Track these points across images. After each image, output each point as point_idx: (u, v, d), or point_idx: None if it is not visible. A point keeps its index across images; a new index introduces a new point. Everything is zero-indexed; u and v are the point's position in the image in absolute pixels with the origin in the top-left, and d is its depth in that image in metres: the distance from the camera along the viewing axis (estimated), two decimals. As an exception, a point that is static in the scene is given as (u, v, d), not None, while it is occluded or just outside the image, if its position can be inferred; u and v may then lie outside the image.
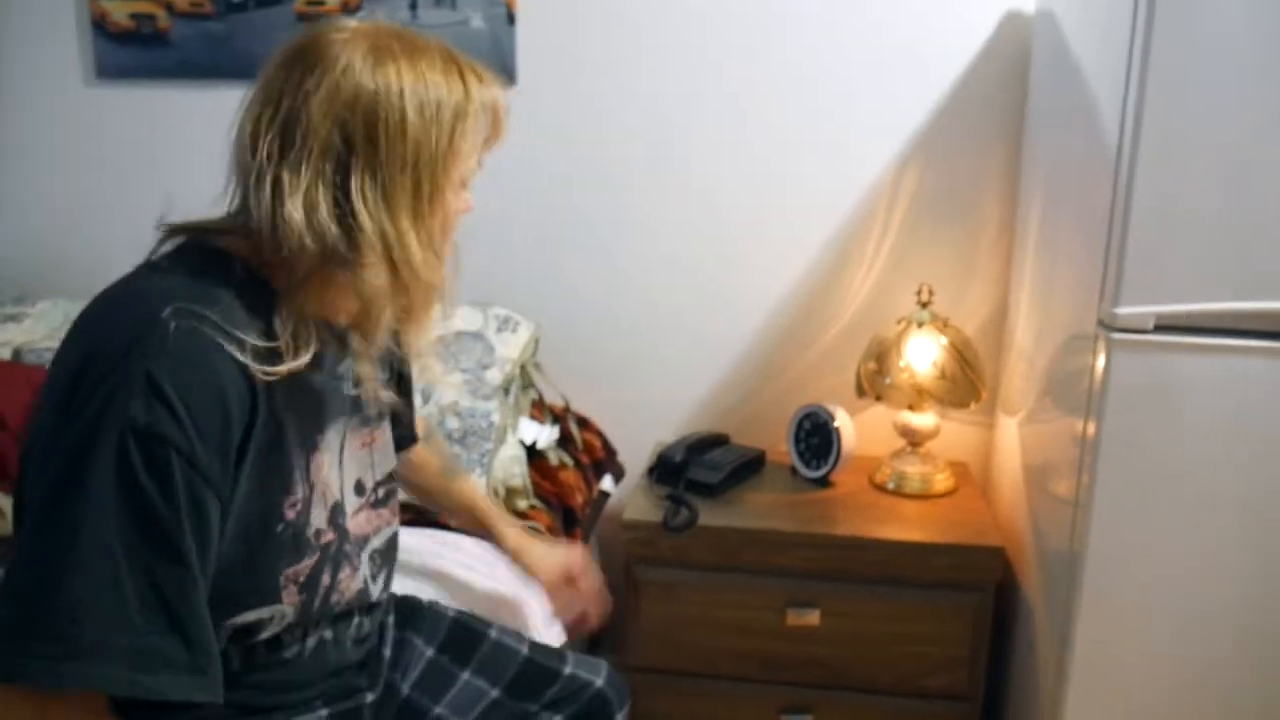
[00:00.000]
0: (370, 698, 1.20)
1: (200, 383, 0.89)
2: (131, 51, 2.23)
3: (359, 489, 1.12)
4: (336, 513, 1.07)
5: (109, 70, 2.26)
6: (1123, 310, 1.39)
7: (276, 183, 0.94)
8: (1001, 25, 1.98)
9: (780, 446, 2.06)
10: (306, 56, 0.96)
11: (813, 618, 1.83)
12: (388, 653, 1.26)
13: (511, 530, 1.56)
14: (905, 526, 1.85)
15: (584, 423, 2.16)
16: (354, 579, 1.11)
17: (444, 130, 0.98)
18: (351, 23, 1.01)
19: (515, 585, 1.58)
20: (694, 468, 1.96)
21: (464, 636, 1.33)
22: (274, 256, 0.95)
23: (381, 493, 1.16)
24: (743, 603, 1.85)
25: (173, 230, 1.04)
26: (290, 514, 1.00)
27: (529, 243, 2.21)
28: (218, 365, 0.90)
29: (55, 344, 2.04)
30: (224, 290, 0.95)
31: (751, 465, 2.05)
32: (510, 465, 1.84)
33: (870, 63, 2.04)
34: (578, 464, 2.04)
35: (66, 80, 2.30)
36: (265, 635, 1.03)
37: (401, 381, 1.30)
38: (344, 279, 0.96)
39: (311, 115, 0.94)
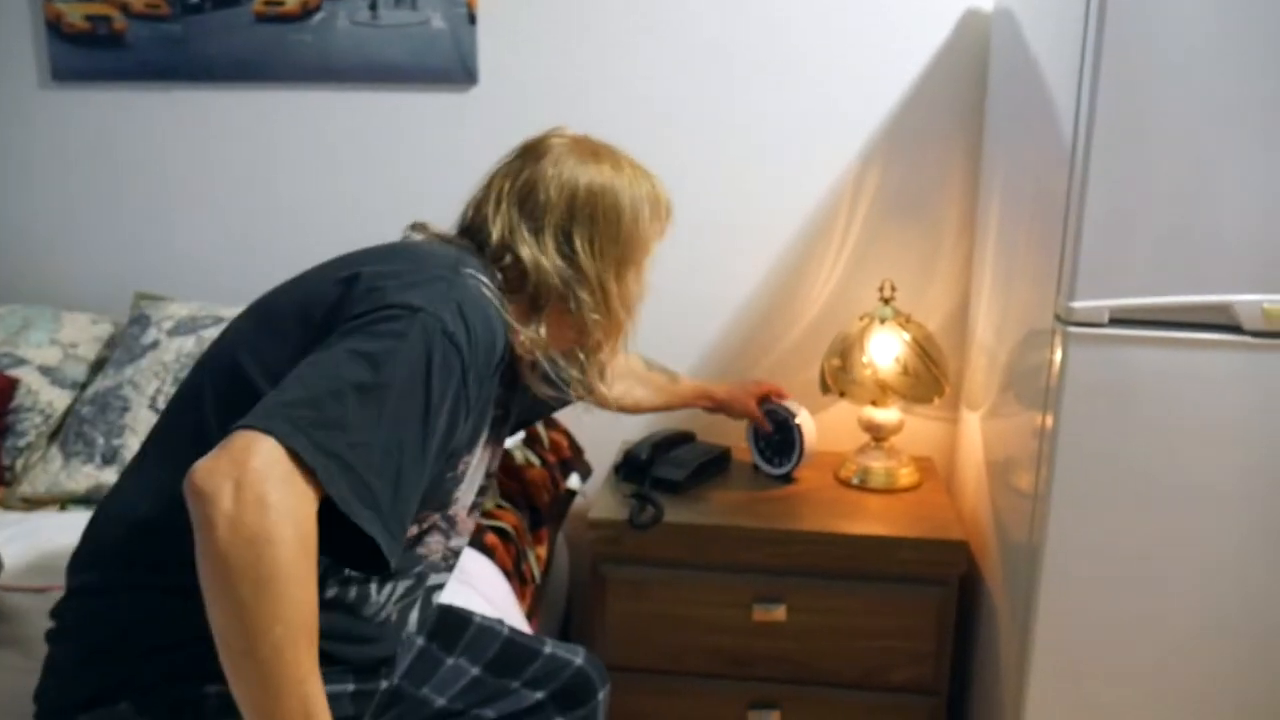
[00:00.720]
0: (384, 685, 1.24)
1: (486, 327, 1.08)
2: (87, 53, 2.21)
3: (481, 490, 1.29)
4: (465, 497, 1.24)
5: (65, 72, 2.23)
6: (1078, 304, 1.41)
7: (513, 230, 1.22)
8: (961, 22, 2.00)
9: (745, 444, 2.06)
10: (537, 148, 1.28)
11: (779, 613, 1.84)
12: (406, 656, 1.32)
13: (720, 387, 1.99)
14: (870, 521, 1.86)
15: (551, 421, 2.16)
16: (442, 548, 1.26)
17: (644, 218, 1.29)
18: (563, 133, 1.32)
19: (475, 591, 1.59)
20: (659, 465, 1.97)
21: (450, 624, 1.39)
22: (515, 281, 1.21)
23: (476, 501, 1.30)
24: (710, 599, 1.86)
25: (420, 226, 1.30)
26: (461, 468, 1.17)
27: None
28: (495, 321, 1.11)
29: (13, 349, 2.03)
30: (489, 277, 1.17)
31: (717, 462, 2.05)
32: (476, 466, 1.84)
33: (830, 60, 2.05)
34: (544, 463, 2.04)
35: (21, 83, 2.27)
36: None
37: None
38: (561, 309, 1.22)
39: (548, 188, 1.24)
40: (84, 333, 2.12)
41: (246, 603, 0.85)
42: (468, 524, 1.30)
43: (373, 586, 1.16)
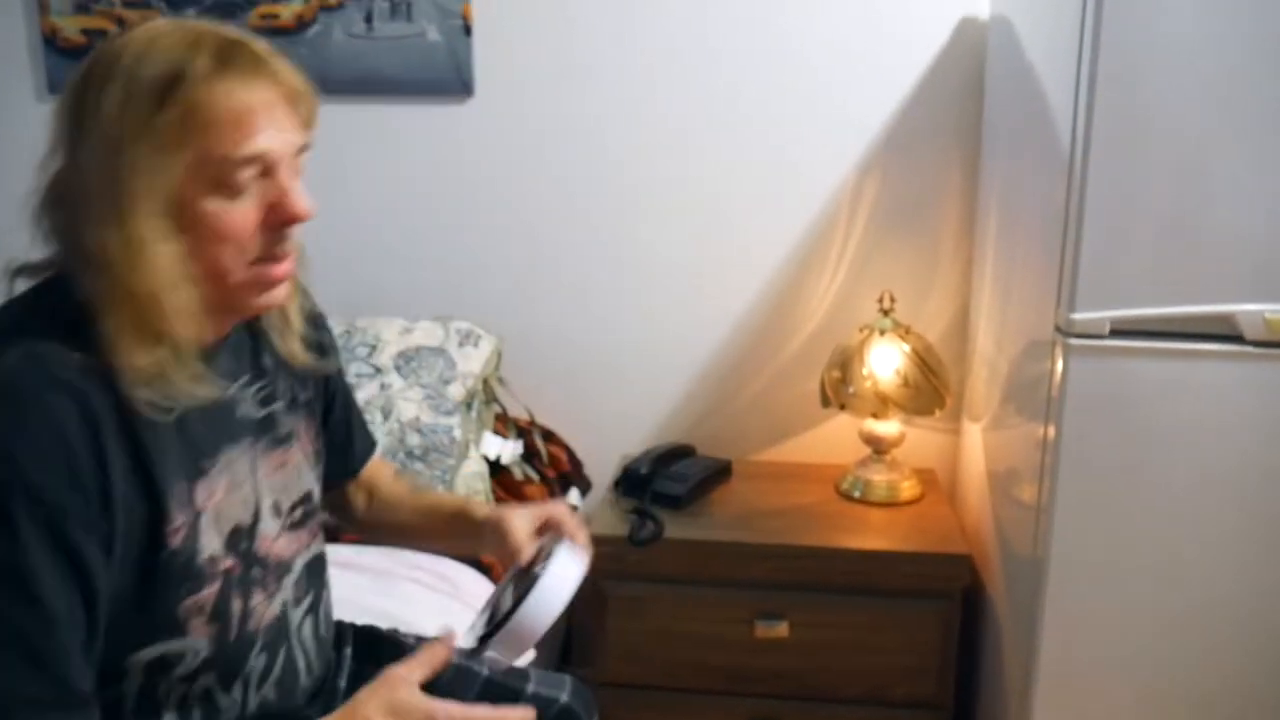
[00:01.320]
0: None
1: (41, 428, 0.85)
2: (83, 68, 2.20)
3: (276, 510, 1.08)
4: (239, 538, 1.03)
5: (61, 86, 2.22)
6: (1079, 316, 1.40)
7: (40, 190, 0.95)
8: (957, 31, 1.99)
9: (748, 457, 2.04)
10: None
11: (781, 629, 1.82)
12: (343, 684, 1.23)
13: (485, 506, 1.33)
14: (872, 535, 1.85)
15: (549, 436, 2.15)
16: (269, 605, 1.06)
17: (139, 113, 0.88)
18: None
19: (471, 609, 1.57)
20: (660, 480, 1.95)
21: None
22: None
23: (299, 514, 1.12)
24: (711, 615, 1.84)
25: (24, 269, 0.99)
26: (174, 541, 0.95)
27: (488, 256, 2.20)
28: (55, 408, 0.86)
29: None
30: (49, 320, 0.91)
31: (718, 476, 2.04)
32: (473, 481, 1.83)
33: (827, 70, 2.04)
34: (543, 478, 2.03)
35: (18, 96, 2.26)
36: (181, 672, 0.99)
37: (332, 403, 1.24)
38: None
39: (55, 110, 0.93)
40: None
41: None
42: (280, 547, 1.08)
43: (212, 686, 1.01)
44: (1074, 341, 1.40)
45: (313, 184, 2.31)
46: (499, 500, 1.87)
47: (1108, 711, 1.52)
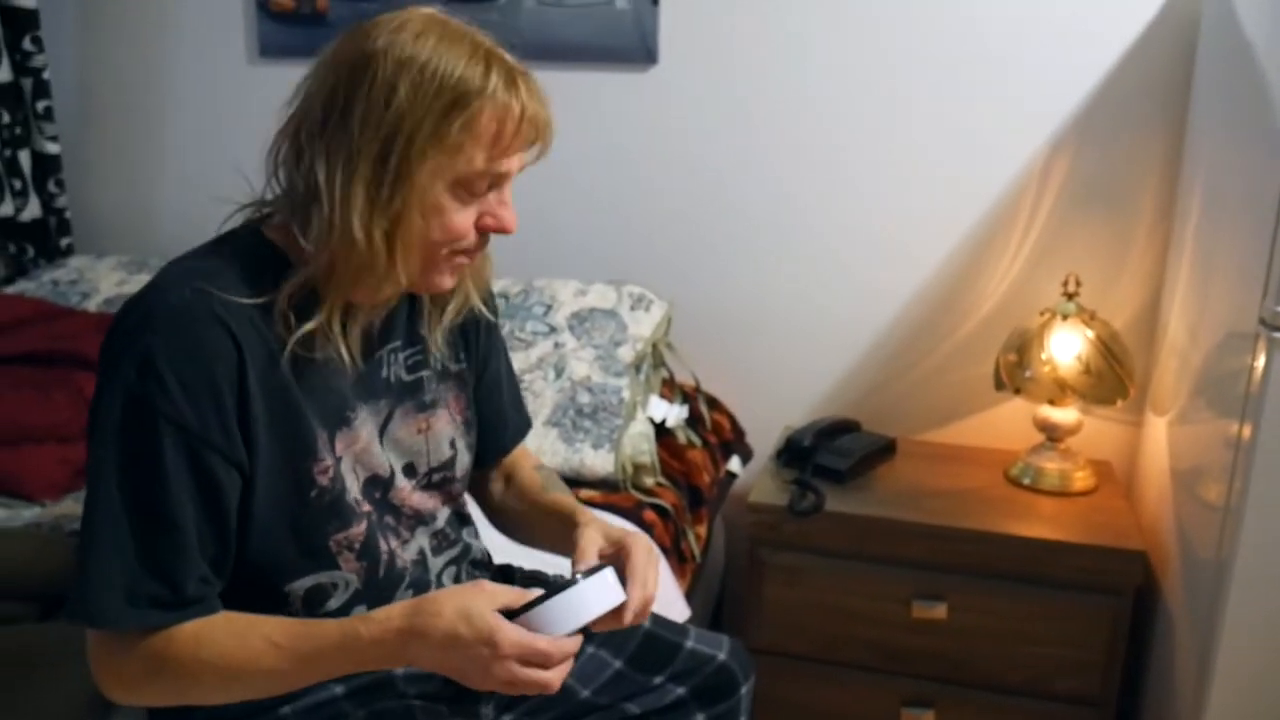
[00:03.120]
0: None
1: (193, 358, 0.94)
2: (292, 31, 2.33)
3: (409, 470, 1.15)
4: (375, 486, 1.11)
5: (271, 49, 2.37)
6: (1287, 309, 1.32)
7: (280, 140, 1.02)
8: (1168, 5, 1.88)
9: (913, 435, 2.02)
10: (353, 27, 1.02)
11: (939, 611, 1.80)
12: None
13: (587, 514, 1.25)
14: (1040, 524, 1.80)
15: (714, 403, 2.17)
16: (405, 550, 1.14)
17: (432, 111, 0.96)
18: (419, 8, 1.03)
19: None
20: (822, 453, 1.95)
21: None
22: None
23: (437, 478, 1.19)
24: (868, 591, 1.83)
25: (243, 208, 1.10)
26: (323, 480, 1.04)
27: (665, 222, 2.23)
28: (208, 335, 0.95)
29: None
30: (235, 264, 1.00)
31: (882, 453, 2.02)
32: (639, 442, 1.86)
33: (1025, 43, 1.96)
34: (705, 444, 2.05)
35: (232, 58, 2.42)
36: (336, 604, 1.08)
37: (479, 381, 1.28)
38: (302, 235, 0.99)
39: (312, 78, 1.00)
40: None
41: (203, 698, 1.01)
42: (431, 499, 1.17)
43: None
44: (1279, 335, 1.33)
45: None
46: (663, 463, 1.91)
47: (1288, 725, 1.45)
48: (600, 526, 1.18)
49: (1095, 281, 1.98)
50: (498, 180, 1.04)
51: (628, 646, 1.33)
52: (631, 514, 1.76)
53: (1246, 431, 1.38)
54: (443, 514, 1.20)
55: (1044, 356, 1.85)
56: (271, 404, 1.00)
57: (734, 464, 2.14)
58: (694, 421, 2.07)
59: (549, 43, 2.18)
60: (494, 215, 1.06)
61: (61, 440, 1.78)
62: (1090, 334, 1.84)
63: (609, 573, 1.03)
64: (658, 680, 1.33)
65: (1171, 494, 1.74)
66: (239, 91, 2.42)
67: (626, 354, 1.97)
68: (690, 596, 1.79)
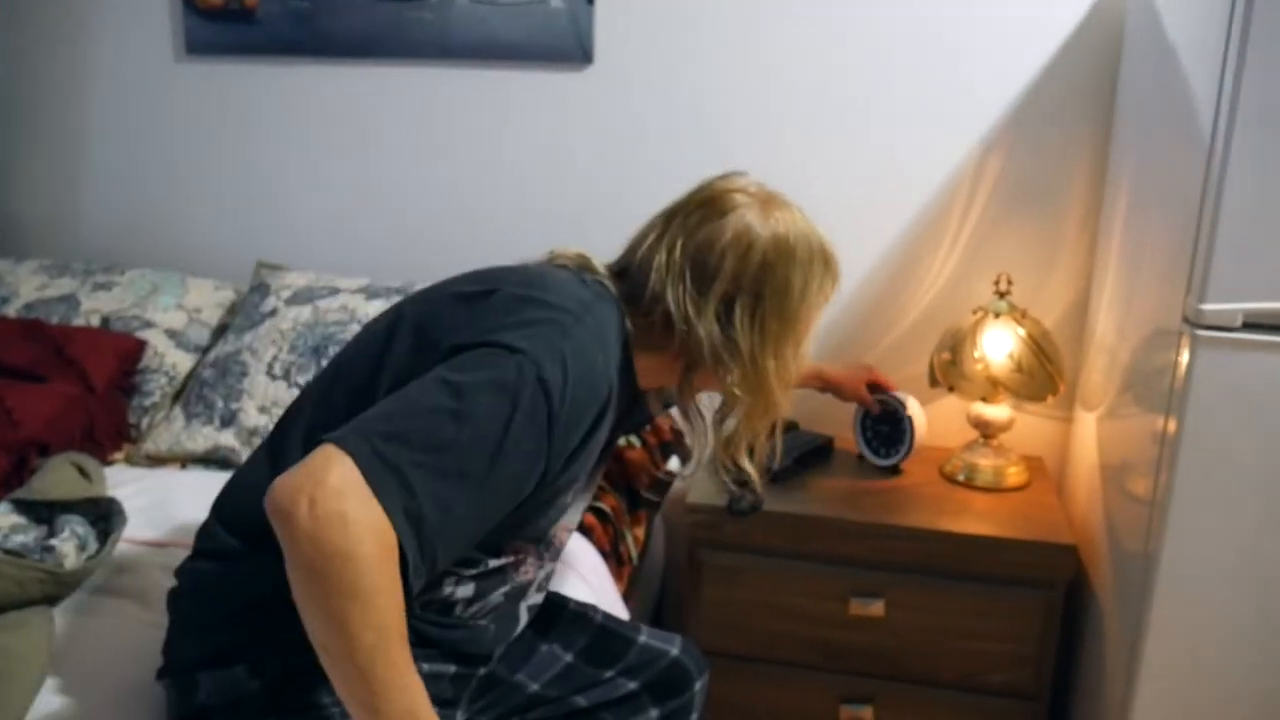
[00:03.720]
0: (482, 670, 1.27)
1: (589, 379, 1.07)
2: (220, 28, 2.28)
3: (574, 520, 1.31)
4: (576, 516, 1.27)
5: (198, 46, 2.31)
6: (1209, 307, 1.34)
7: (676, 291, 1.18)
8: (1094, 7, 1.92)
9: (849, 434, 2.03)
10: (715, 204, 1.23)
11: (877, 608, 1.81)
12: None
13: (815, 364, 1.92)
14: (975, 520, 1.82)
15: (652, 404, 2.16)
16: (534, 573, 1.26)
17: (813, 290, 1.23)
18: (745, 182, 1.26)
19: (572, 570, 1.60)
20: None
21: (544, 609, 1.38)
22: (643, 323, 1.19)
23: (568, 536, 1.33)
24: (806, 590, 1.84)
25: (577, 256, 1.26)
26: (563, 500, 1.18)
27: (603, 221, 2.20)
28: (602, 372, 1.10)
29: (142, 312, 2.12)
30: (619, 325, 1.17)
31: (819, 452, 2.03)
32: (577, 445, 1.85)
33: (956, 44, 1.99)
34: (645, 444, 2.04)
35: (158, 56, 2.36)
36: (470, 573, 1.16)
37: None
38: (704, 373, 1.20)
39: (723, 253, 1.19)
40: (208, 298, 2.20)
41: (336, 614, 0.89)
42: (565, 539, 1.31)
43: (457, 595, 1.17)
44: (1202, 333, 1.35)
45: (430, 146, 2.36)
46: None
47: (1214, 713, 1.48)
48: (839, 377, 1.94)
49: (1026, 280, 2.01)
50: None
51: (579, 641, 1.38)
52: (569, 517, 1.74)
53: (1171, 426, 1.41)
54: (552, 564, 1.32)
55: (977, 354, 1.87)
56: (592, 443, 1.13)
57: (673, 464, 2.14)
58: (633, 423, 2.07)
59: (483, 42, 2.16)
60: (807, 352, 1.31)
61: (-22, 449, 1.72)
62: (1021, 332, 1.86)
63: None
64: (609, 674, 1.37)
65: (1101, 489, 1.77)
66: (165, 89, 2.36)
67: (564, 355, 1.95)
68: (628, 598, 1.78)
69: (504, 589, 1.21)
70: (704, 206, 1.23)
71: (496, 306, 1.10)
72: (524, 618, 1.30)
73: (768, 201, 1.24)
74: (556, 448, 1.05)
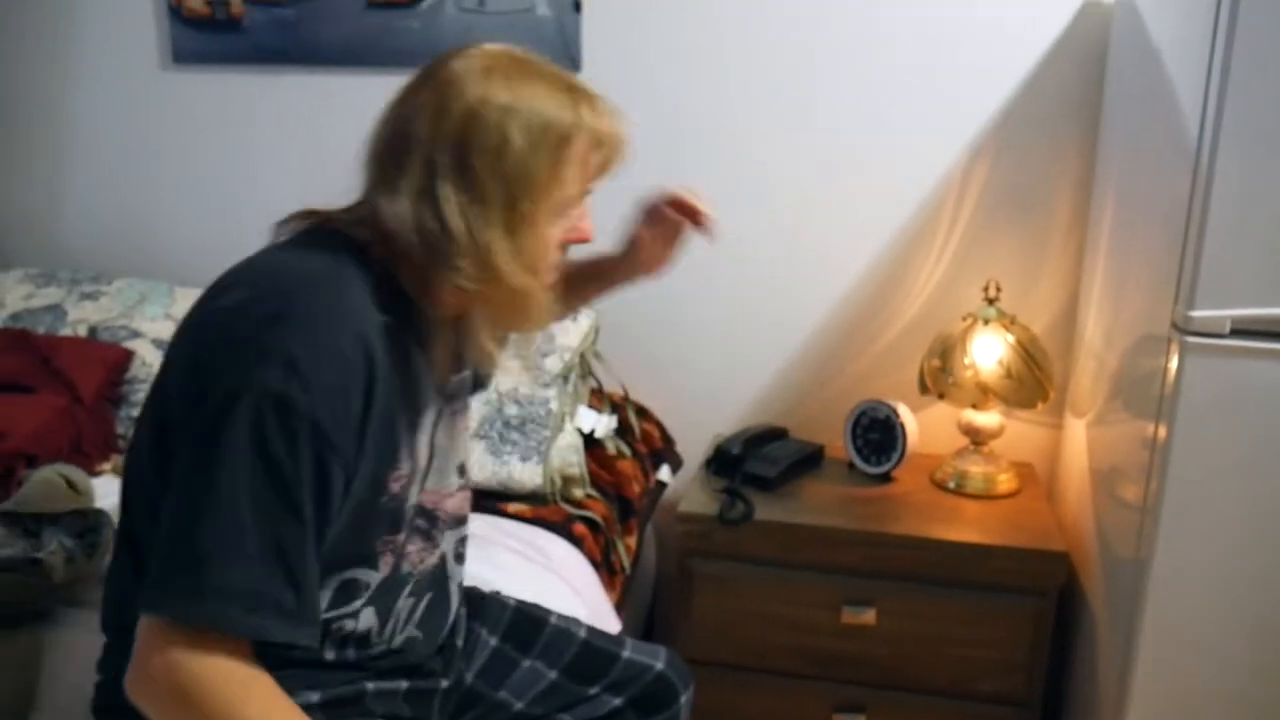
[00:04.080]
0: (444, 684, 1.24)
1: (330, 357, 0.96)
2: (206, 37, 2.27)
3: (461, 471, 1.20)
4: (427, 491, 1.14)
5: (184, 55, 2.30)
6: (1197, 313, 1.35)
7: (386, 182, 1.02)
8: (1079, 14, 1.93)
9: (840, 442, 2.03)
10: (429, 72, 1.05)
11: (869, 616, 1.81)
12: (460, 643, 1.29)
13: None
14: (966, 527, 1.82)
15: (643, 412, 2.16)
16: (431, 555, 1.17)
17: (546, 153, 1.02)
18: (483, 46, 1.06)
19: (563, 580, 1.59)
20: (751, 461, 1.95)
21: (525, 625, 1.35)
22: (393, 247, 1.02)
23: (466, 477, 1.23)
24: (798, 599, 1.84)
25: (302, 215, 1.11)
26: (395, 487, 1.06)
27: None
28: (345, 341, 0.97)
29: (130, 322, 2.11)
30: (356, 272, 1.02)
31: (810, 460, 2.03)
32: (568, 454, 1.85)
33: (942, 51, 1.99)
34: (635, 454, 2.04)
35: (143, 65, 2.35)
36: (359, 604, 1.09)
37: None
38: (442, 277, 1.02)
39: (420, 125, 1.01)
40: (195, 309, 2.19)
41: None
42: (455, 503, 1.21)
43: (360, 628, 1.11)
44: (1191, 339, 1.36)
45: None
46: (592, 474, 1.89)
47: (1205, 719, 1.48)
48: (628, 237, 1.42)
49: (1015, 286, 2.02)
50: (584, 199, 1.11)
51: (563, 657, 1.34)
52: (561, 527, 1.74)
53: (1161, 432, 1.41)
54: (465, 519, 1.24)
55: (966, 361, 1.87)
56: (382, 415, 1.01)
57: (664, 473, 2.14)
58: (623, 431, 2.06)
59: (471, 50, 2.16)
60: (576, 229, 1.12)
61: (-37, 462, 1.71)
62: (1011, 338, 1.87)
63: None
64: (593, 691, 1.34)
65: (1091, 495, 1.78)
66: (151, 99, 2.35)
67: (554, 364, 1.95)
68: (620, 608, 1.77)
69: (406, 590, 1.15)
70: (420, 77, 1.05)
71: (203, 352, 0.98)
72: (455, 599, 1.25)
73: (498, 58, 1.04)
74: (339, 444, 0.96)
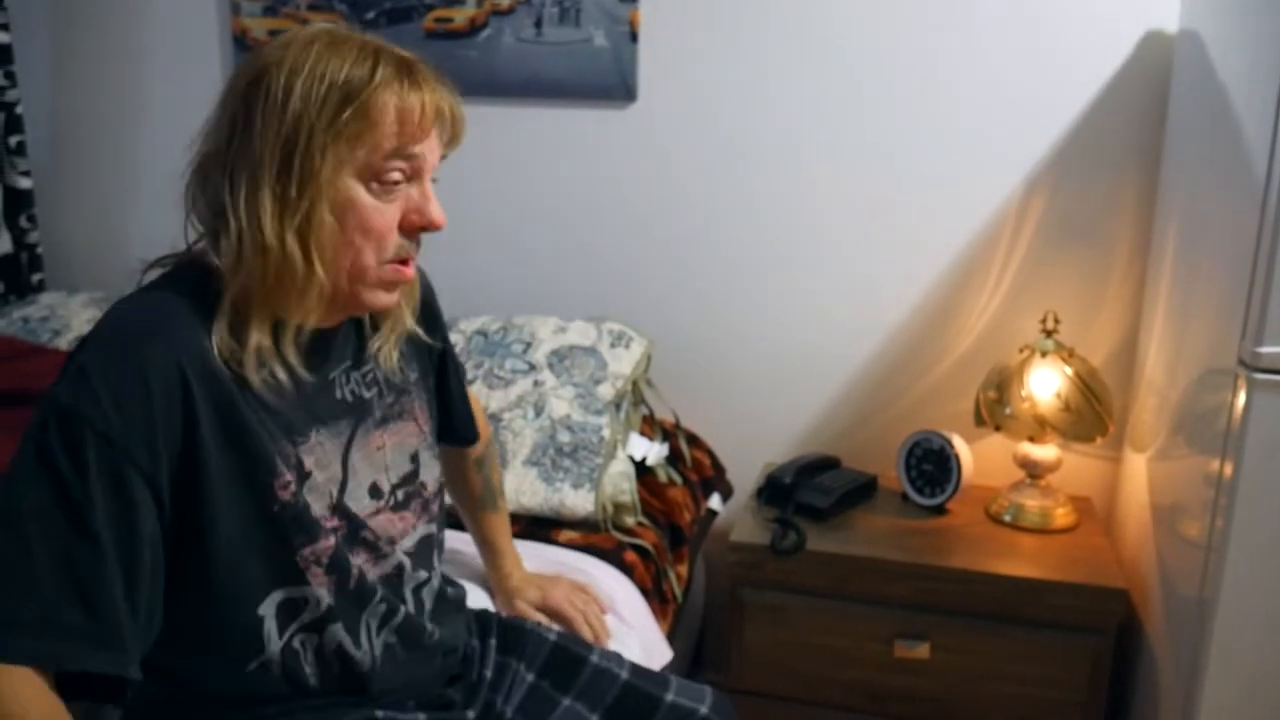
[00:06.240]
0: (471, 715, 1.21)
1: (129, 373, 0.93)
2: (269, 66, 2.32)
3: (374, 492, 1.13)
4: (342, 505, 1.09)
5: (248, 84, 2.35)
6: (1266, 349, 1.32)
7: (193, 173, 1.03)
8: (1141, 45, 1.91)
9: (893, 473, 2.01)
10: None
11: (922, 651, 1.79)
12: (488, 674, 1.27)
13: (516, 571, 1.52)
14: (1022, 561, 1.79)
15: (694, 440, 2.16)
16: (383, 564, 1.13)
17: (326, 107, 0.96)
18: (307, 26, 1.04)
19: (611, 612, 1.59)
20: (804, 490, 1.94)
21: (565, 661, 1.31)
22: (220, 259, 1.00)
23: (400, 495, 1.17)
24: (850, 631, 1.82)
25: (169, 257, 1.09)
26: (284, 495, 1.02)
27: (644, 259, 2.22)
28: (150, 354, 0.94)
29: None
30: (177, 292, 1.00)
31: (863, 490, 2.01)
32: (619, 481, 1.85)
33: (1002, 82, 1.98)
34: (686, 481, 2.04)
35: (206, 93, 2.38)
36: (308, 619, 1.06)
37: (443, 383, 1.33)
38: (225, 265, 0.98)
39: (217, 103, 1.01)
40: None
41: None
42: (401, 520, 1.15)
43: (343, 640, 1.08)
44: (1259, 376, 1.33)
45: (477, 182, 2.38)
46: (643, 502, 1.89)
47: (1274, 767, 1.44)
48: (526, 593, 1.46)
49: (1073, 318, 1.99)
50: (414, 172, 1.04)
51: (604, 699, 1.29)
52: (612, 555, 1.74)
53: (1228, 470, 1.39)
54: (412, 536, 1.18)
55: (1024, 393, 1.85)
56: (222, 424, 0.98)
57: (714, 502, 2.13)
58: (674, 459, 2.06)
59: (528, 80, 2.18)
60: (419, 211, 1.06)
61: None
62: (1069, 371, 1.84)
63: None
64: None
65: (1152, 531, 1.74)
66: (215, 127, 2.40)
67: (606, 391, 1.95)
68: (671, 638, 1.76)
69: (373, 601, 1.10)
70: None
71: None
72: (429, 603, 1.19)
73: (300, 37, 1.00)
74: (138, 454, 0.92)
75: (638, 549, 1.79)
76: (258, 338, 1.00)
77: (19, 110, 2.40)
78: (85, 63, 2.47)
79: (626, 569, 1.73)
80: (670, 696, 1.30)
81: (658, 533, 1.86)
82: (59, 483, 0.90)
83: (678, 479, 2.02)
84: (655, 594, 1.76)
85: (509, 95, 2.20)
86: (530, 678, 1.29)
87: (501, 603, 1.49)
